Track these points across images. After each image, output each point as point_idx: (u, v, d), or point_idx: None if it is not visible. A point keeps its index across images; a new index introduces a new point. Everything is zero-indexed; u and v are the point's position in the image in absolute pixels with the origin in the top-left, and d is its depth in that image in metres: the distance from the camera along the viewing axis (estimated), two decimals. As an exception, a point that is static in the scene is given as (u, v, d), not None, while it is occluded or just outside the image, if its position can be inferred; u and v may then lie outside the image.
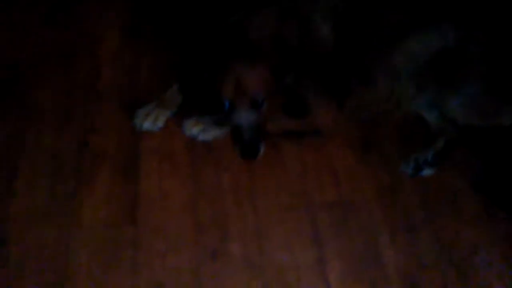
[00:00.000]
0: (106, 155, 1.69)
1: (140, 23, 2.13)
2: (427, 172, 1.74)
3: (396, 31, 1.78)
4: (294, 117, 1.76)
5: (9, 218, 1.54)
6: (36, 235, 1.53)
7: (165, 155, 1.72)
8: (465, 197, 1.72)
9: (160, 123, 1.75)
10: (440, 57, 1.78)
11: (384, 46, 1.78)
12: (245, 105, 1.61)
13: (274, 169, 1.72)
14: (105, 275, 1.46)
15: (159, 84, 1.87)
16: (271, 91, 1.63)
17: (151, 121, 1.74)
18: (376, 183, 1.72)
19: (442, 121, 1.85)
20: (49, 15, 2.14)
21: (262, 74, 1.61)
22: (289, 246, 1.55)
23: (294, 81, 1.69)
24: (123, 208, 1.57)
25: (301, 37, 1.73)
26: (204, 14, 1.98)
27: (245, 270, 1.50)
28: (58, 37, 2.06)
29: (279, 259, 1.52)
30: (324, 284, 1.49)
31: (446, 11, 1.83)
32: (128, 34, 2.10)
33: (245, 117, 1.62)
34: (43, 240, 1.52)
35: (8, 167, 1.65)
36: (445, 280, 1.51)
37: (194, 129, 1.74)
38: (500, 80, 1.77)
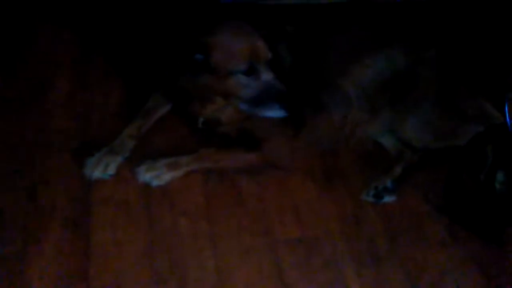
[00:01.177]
0: (55, 209, 1.60)
1: (90, 67, 2.09)
2: (388, 199, 1.72)
3: (345, 57, 1.79)
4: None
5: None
6: (-17, 301, 1.42)
7: (119, 203, 1.64)
8: (429, 221, 1.70)
9: (111, 171, 1.69)
10: (391, 82, 1.79)
11: (333, 73, 1.78)
12: (265, 64, 1.62)
13: (234, 209, 1.67)
14: None
15: (111, 129, 1.83)
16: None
17: (101, 169, 1.67)
18: (339, 214, 1.69)
19: (400, 146, 1.85)
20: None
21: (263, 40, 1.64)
22: (253, 290, 1.48)
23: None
24: (74, 265, 1.47)
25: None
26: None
27: (207, 322, 1.42)
28: (4, 85, 1.99)
29: (242, 306, 1.45)
30: (292, 328, 1.43)
31: (394, 37, 1.86)
32: (78, 79, 2.05)
33: (269, 73, 1.62)
34: (-10, 307, 1.41)
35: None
36: (414, 311, 1.47)
37: (147, 175, 1.68)
38: (453, 99, 1.79)
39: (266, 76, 1.62)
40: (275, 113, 1.64)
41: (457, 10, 2.25)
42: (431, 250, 1.62)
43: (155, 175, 1.68)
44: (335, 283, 1.51)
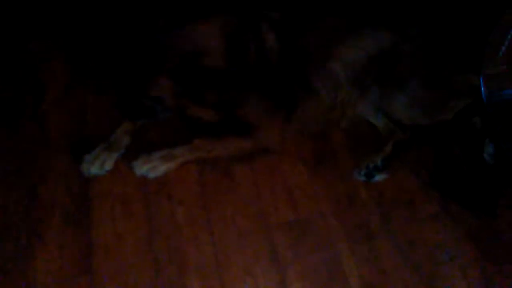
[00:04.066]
0: (55, 205, 1.66)
1: (84, 67, 2.13)
2: (379, 177, 1.75)
3: (331, 38, 1.81)
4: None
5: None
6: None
7: (117, 197, 1.69)
8: (421, 197, 1.73)
9: (108, 166, 1.74)
10: (377, 60, 1.81)
11: (320, 54, 1.80)
12: None
13: (229, 195, 1.71)
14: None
15: (106, 125, 1.87)
16: None
17: (98, 165, 1.73)
18: (332, 195, 1.72)
19: (390, 124, 1.87)
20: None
21: None
22: (250, 273, 1.53)
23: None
24: (77, 257, 1.54)
25: (255, 46, 1.76)
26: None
27: (207, 304, 1.48)
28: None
29: (240, 288, 1.50)
30: (289, 306, 1.48)
31: (378, 15, 1.87)
32: (72, 78, 2.10)
33: None
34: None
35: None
36: (407, 283, 1.51)
37: (144, 167, 1.73)
38: (440, 75, 1.80)
39: None
40: None
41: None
42: (424, 225, 1.65)
43: (152, 167, 1.73)
44: (329, 262, 1.56)
